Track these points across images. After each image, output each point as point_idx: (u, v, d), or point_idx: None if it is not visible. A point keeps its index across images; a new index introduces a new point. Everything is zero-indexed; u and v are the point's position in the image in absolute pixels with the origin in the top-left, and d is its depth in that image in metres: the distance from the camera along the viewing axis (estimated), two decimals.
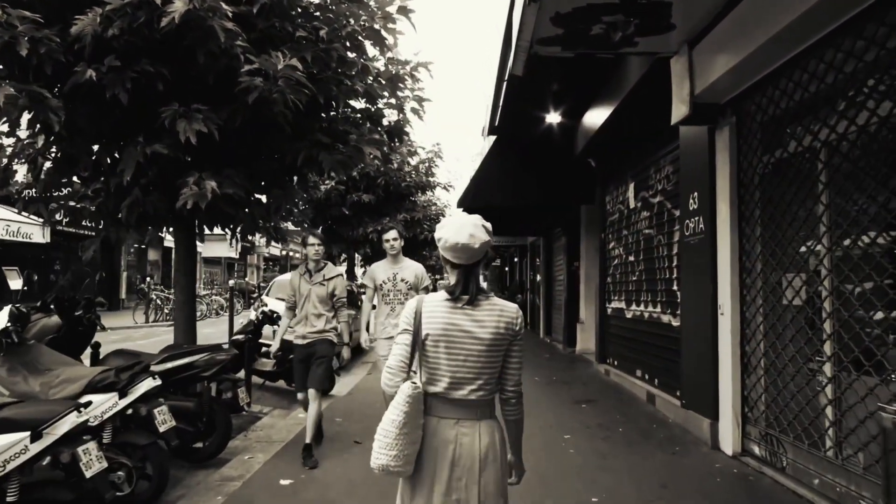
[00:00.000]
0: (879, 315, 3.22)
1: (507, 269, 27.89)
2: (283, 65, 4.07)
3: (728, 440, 4.59)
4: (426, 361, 1.85)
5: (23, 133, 4.88)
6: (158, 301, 16.98)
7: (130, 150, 4.24)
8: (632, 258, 7.49)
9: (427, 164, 15.30)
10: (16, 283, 6.93)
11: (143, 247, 23.05)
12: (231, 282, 9.29)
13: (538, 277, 15.88)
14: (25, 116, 4.34)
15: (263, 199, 5.64)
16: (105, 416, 3.40)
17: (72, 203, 5.10)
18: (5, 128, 4.65)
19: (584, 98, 7.82)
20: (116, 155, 4.77)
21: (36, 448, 2.73)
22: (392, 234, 4.75)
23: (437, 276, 42.29)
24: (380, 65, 5.46)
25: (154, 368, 4.05)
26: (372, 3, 4.95)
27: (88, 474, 2.81)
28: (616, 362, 8.15)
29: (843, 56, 3.45)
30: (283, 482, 4.01)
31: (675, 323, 5.92)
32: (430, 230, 18.25)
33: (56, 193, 5.26)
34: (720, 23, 4.26)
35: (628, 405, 6.43)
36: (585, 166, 9.34)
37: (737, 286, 4.62)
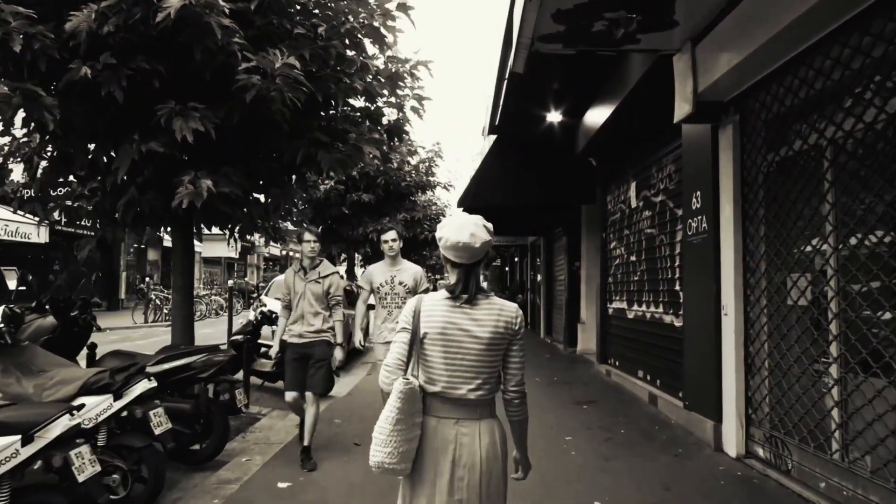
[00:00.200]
0: (888, 315, 3.16)
1: (507, 268, 27.85)
2: (280, 63, 4.01)
3: (731, 442, 4.53)
4: (425, 360, 1.85)
5: (18, 132, 4.83)
6: (158, 301, 16.93)
7: (125, 148, 4.19)
8: (633, 258, 7.44)
9: (427, 164, 15.24)
10: (14, 284, 6.88)
11: (142, 247, 23.01)
12: (230, 282, 9.23)
13: (539, 277, 15.83)
14: (20, 115, 4.29)
15: (262, 198, 5.59)
16: (100, 419, 3.34)
17: (68, 202, 5.04)
18: (0, 126, 4.60)
19: (585, 96, 7.76)
20: (113, 153, 4.71)
21: (27, 452, 2.67)
22: (391, 234, 4.64)
23: (438, 276, 42.25)
24: (379, 63, 5.40)
25: (150, 370, 3.99)
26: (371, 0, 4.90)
27: (81, 478, 2.75)
28: (617, 363, 8.09)
29: (850, 52, 3.39)
30: (282, 485, 3.96)
31: (678, 323, 5.86)
32: (430, 230, 18.21)
33: (53, 193, 5.21)
34: (724, 19, 4.20)
35: (630, 406, 6.37)
36: (586, 165, 9.29)
37: (740, 286, 4.56)
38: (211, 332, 14.05)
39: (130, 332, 14.76)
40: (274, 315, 6.29)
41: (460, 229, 1.82)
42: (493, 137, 10.11)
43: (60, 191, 5.26)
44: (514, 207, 10.82)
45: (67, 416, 2.83)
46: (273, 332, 5.57)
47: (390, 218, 14.10)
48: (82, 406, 3.00)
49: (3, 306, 3.79)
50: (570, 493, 3.82)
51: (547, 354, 11.04)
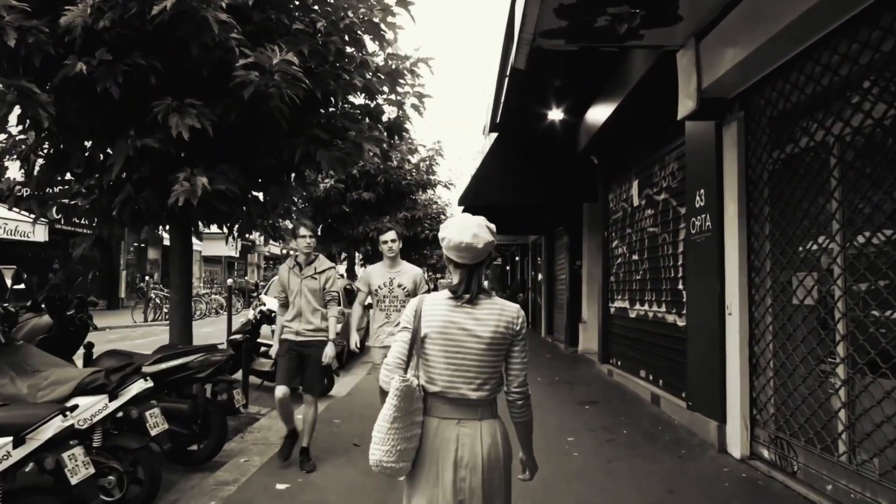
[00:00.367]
0: None
1: (508, 267, 27.79)
2: (279, 59, 3.95)
3: (736, 443, 4.47)
4: (425, 360, 1.86)
5: (14, 129, 4.77)
6: (157, 300, 16.89)
7: (121, 144, 4.13)
8: (635, 257, 7.38)
9: (428, 162, 15.18)
10: (18, 283, 6.83)
11: (142, 245, 22.98)
12: (229, 281, 9.18)
13: (540, 276, 15.77)
14: (16, 112, 4.23)
15: (261, 196, 5.54)
16: (94, 420, 3.29)
17: (64, 201, 4.98)
18: None
19: (587, 94, 7.70)
20: (109, 151, 4.65)
21: (19, 454, 2.62)
22: (390, 235, 4.48)
23: (438, 276, 42.21)
24: (379, 60, 5.35)
25: (146, 370, 3.94)
26: None
27: (74, 481, 2.70)
28: (619, 362, 8.03)
29: (859, 47, 3.33)
30: (280, 486, 3.90)
31: (681, 323, 5.81)
32: (430, 229, 18.16)
33: (50, 191, 5.16)
34: (728, 15, 4.14)
35: (632, 406, 6.32)
36: (588, 164, 9.24)
37: (745, 285, 4.50)
38: (211, 330, 14.02)
39: (130, 331, 14.73)
40: (273, 314, 6.23)
41: (463, 230, 1.83)
42: (494, 136, 10.05)
43: (57, 189, 5.20)
44: (515, 206, 10.77)
45: (60, 417, 2.78)
46: (273, 331, 5.51)
47: (391, 217, 14.05)
48: (76, 407, 2.95)
49: None
50: (571, 494, 3.76)
51: (548, 354, 10.99)
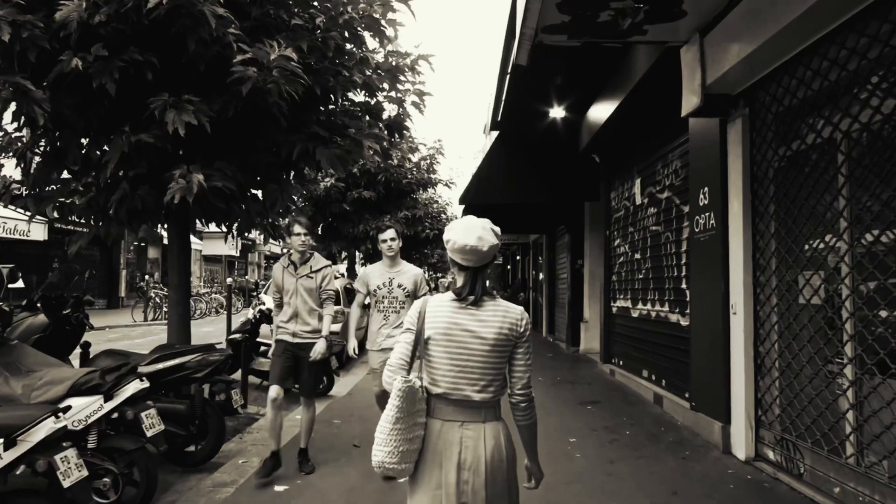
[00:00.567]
0: None
1: (508, 267, 27.72)
2: (277, 54, 3.89)
3: (741, 444, 4.41)
4: (429, 361, 1.86)
5: (10, 127, 4.72)
6: (157, 299, 16.85)
7: (116, 140, 4.08)
8: (638, 256, 7.32)
9: (428, 161, 15.12)
10: (14, 282, 6.74)
11: (142, 244, 22.94)
12: (229, 280, 9.13)
13: (541, 276, 15.71)
14: (11, 108, 4.18)
15: (260, 194, 5.48)
16: (89, 421, 3.24)
17: (61, 199, 4.92)
18: None
19: (589, 92, 7.64)
20: (106, 148, 4.60)
21: (10, 456, 2.57)
22: (389, 233, 4.25)
23: (439, 275, 42.11)
24: (379, 57, 5.29)
25: (142, 370, 3.89)
26: None
27: (66, 483, 2.64)
28: (621, 362, 7.97)
29: (868, 41, 3.27)
30: (278, 488, 3.85)
31: (684, 322, 5.74)
32: (431, 228, 18.09)
33: (47, 189, 5.10)
34: (733, 9, 4.08)
35: (635, 406, 6.26)
36: (590, 162, 9.18)
37: (750, 284, 4.44)
38: (211, 330, 13.98)
39: (129, 330, 14.69)
40: (272, 313, 6.17)
41: (468, 232, 1.83)
42: (495, 135, 9.99)
43: (53, 187, 5.14)
44: (516, 205, 10.71)
45: (52, 418, 2.73)
46: (272, 330, 5.44)
47: (391, 215, 13.99)
48: (68, 408, 2.89)
49: None
50: (574, 496, 3.70)
51: (550, 353, 10.93)
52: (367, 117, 5.53)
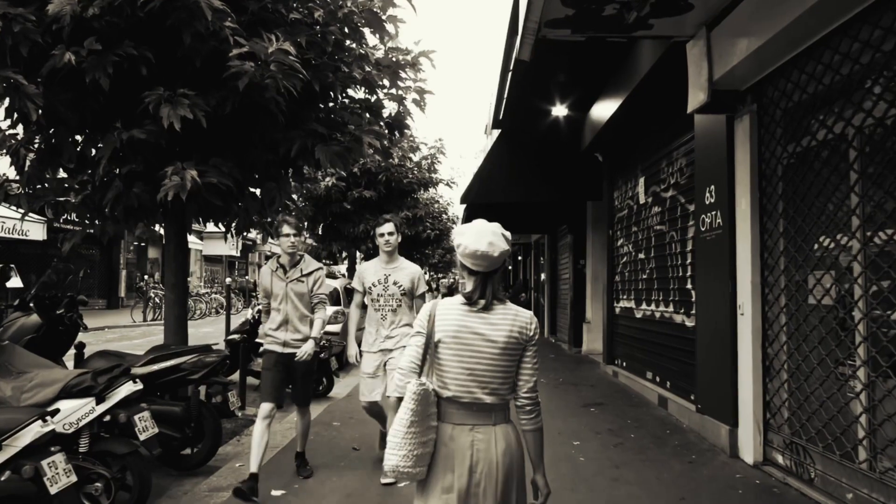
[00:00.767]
0: None
1: (510, 267, 27.62)
2: (274, 48, 3.80)
3: (749, 448, 4.31)
4: (439, 365, 1.86)
5: (3, 123, 4.64)
6: (157, 299, 16.77)
7: (108, 137, 3.99)
8: (642, 255, 7.22)
9: (429, 160, 15.04)
10: (13, 282, 6.65)
11: (142, 244, 22.88)
12: (228, 280, 9.05)
13: (542, 276, 15.62)
14: (4, 104, 4.09)
15: (258, 193, 5.39)
16: (80, 424, 3.15)
17: (57, 199, 4.83)
18: None
19: (592, 89, 7.55)
20: (101, 145, 4.51)
21: None
22: (387, 227, 4.03)
23: (440, 275, 42.03)
24: (380, 54, 5.20)
25: (137, 371, 3.80)
26: None
27: (53, 490, 2.55)
28: (625, 363, 7.88)
29: (882, 34, 3.17)
30: (275, 493, 3.76)
31: (690, 323, 5.65)
32: (432, 228, 17.99)
33: (40, 187, 5.02)
34: (742, 2, 3.98)
35: (639, 409, 6.16)
36: (592, 161, 9.08)
37: (758, 284, 4.34)
38: (211, 330, 13.91)
39: (129, 330, 14.62)
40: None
41: (479, 237, 1.82)
42: (496, 135, 9.90)
43: (48, 185, 5.06)
44: (518, 204, 10.63)
45: (39, 422, 2.64)
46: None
47: (392, 214, 13.92)
48: (57, 411, 2.80)
49: None
50: (578, 502, 3.61)
51: (552, 355, 10.83)
52: (368, 115, 5.44)
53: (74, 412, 3.12)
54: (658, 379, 6.51)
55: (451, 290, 26.66)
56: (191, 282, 24.25)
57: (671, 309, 6.22)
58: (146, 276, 19.47)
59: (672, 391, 6.04)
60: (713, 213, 4.83)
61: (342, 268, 18.84)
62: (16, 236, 14.10)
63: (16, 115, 4.33)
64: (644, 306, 7.08)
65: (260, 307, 4.84)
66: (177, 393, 4.42)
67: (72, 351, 4.69)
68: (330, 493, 3.77)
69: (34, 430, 2.61)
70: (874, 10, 3.18)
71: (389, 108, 5.71)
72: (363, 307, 4.17)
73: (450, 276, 42.97)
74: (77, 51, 3.71)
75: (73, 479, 2.68)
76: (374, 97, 5.50)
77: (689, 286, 5.72)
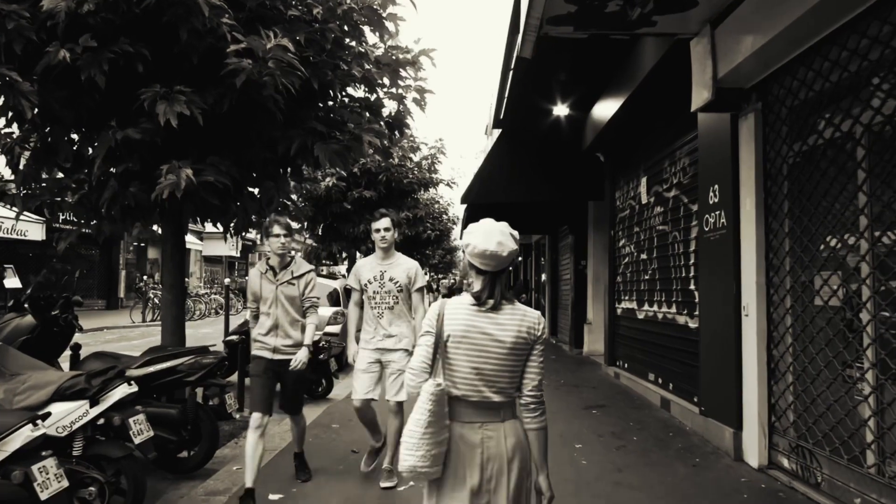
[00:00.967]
0: None
1: (510, 268, 27.53)
2: (272, 44, 3.75)
3: (753, 451, 4.25)
4: (448, 364, 1.87)
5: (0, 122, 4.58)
6: (156, 300, 16.70)
7: (103, 136, 3.93)
8: (644, 256, 7.16)
9: (430, 161, 14.98)
10: (11, 282, 6.58)
11: (142, 244, 22.82)
12: (227, 280, 9.00)
13: (543, 277, 15.56)
14: None
15: (257, 192, 5.33)
16: (74, 427, 3.09)
17: (53, 198, 4.77)
18: None
19: (594, 88, 7.48)
20: (96, 144, 4.45)
21: None
22: (383, 222, 3.87)
23: (441, 276, 41.95)
24: (380, 52, 5.14)
25: (132, 373, 3.74)
26: None
27: (44, 496, 2.49)
28: (626, 365, 7.81)
29: (891, 29, 3.11)
30: (273, 497, 3.69)
31: (693, 324, 5.58)
32: (433, 228, 17.92)
33: (36, 186, 4.96)
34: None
35: (641, 411, 6.10)
36: (594, 161, 9.02)
37: (763, 285, 4.28)
38: (210, 331, 13.85)
39: (128, 331, 14.56)
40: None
41: (488, 237, 1.83)
42: (497, 135, 9.84)
43: (43, 185, 5.00)
44: (519, 205, 10.56)
45: (30, 426, 2.57)
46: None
47: (389, 209, 13.85)
48: (48, 415, 2.74)
49: None
50: None
51: (553, 356, 10.76)
52: (367, 114, 5.38)
53: (67, 415, 3.06)
54: (660, 381, 6.45)
55: (452, 291, 26.60)
56: (190, 282, 24.20)
57: (674, 310, 6.15)
58: (145, 277, 19.41)
59: (675, 393, 5.98)
60: (717, 212, 4.77)
61: (342, 268, 18.77)
62: (14, 236, 14.05)
63: (10, 114, 4.27)
64: (646, 307, 7.02)
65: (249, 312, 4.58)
66: (173, 395, 4.37)
67: (67, 352, 4.64)
68: (328, 496, 3.71)
69: (24, 435, 2.55)
70: (883, 6, 3.12)
71: (389, 107, 5.66)
72: (362, 305, 4.03)
73: (450, 276, 42.94)
74: (72, 48, 3.66)
75: (65, 484, 2.62)
76: (374, 96, 5.45)
77: (692, 287, 5.66)
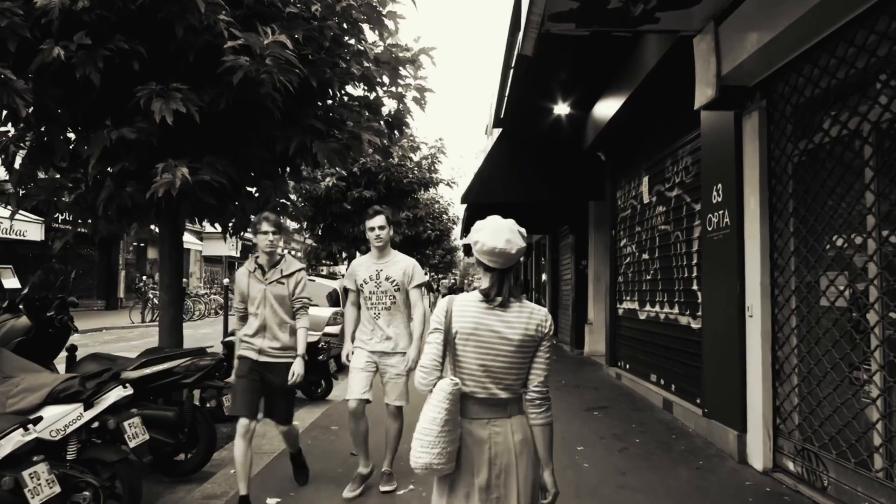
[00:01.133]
0: None
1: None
2: (270, 40, 3.69)
3: (758, 454, 4.19)
4: (456, 361, 1.88)
5: None
6: (156, 300, 16.65)
7: (97, 135, 3.87)
8: (646, 256, 7.10)
9: (430, 160, 14.93)
10: (10, 282, 6.52)
11: (142, 244, 22.77)
12: (226, 280, 8.96)
13: (543, 277, 15.50)
14: None
15: (255, 191, 5.28)
16: (68, 430, 3.03)
17: (43, 197, 4.71)
18: None
19: (595, 87, 7.43)
20: (91, 143, 4.40)
21: None
22: (378, 220, 3.73)
23: (441, 276, 41.88)
24: (379, 50, 5.09)
25: (128, 375, 3.69)
26: None
27: (35, 502, 2.43)
28: (628, 365, 7.75)
29: None
30: (271, 501, 3.64)
31: (696, 325, 5.52)
32: (433, 228, 17.86)
33: (32, 186, 4.91)
34: None
35: (643, 412, 6.04)
36: (594, 160, 8.97)
37: (767, 285, 4.22)
38: (209, 331, 13.81)
39: (126, 331, 14.51)
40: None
41: (497, 234, 1.84)
42: (497, 134, 9.79)
43: (40, 185, 4.94)
44: (519, 204, 10.51)
45: (21, 431, 2.52)
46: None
47: (384, 206, 13.79)
48: (39, 419, 2.68)
49: None
50: None
51: (553, 356, 10.63)
52: (367, 112, 5.32)
53: (61, 418, 3.00)
54: (663, 382, 6.39)
55: (452, 291, 26.54)
56: (190, 282, 24.13)
57: (676, 310, 6.10)
58: (145, 277, 19.35)
59: (677, 394, 5.92)
60: (720, 212, 4.71)
61: (342, 268, 18.72)
62: (14, 237, 13.99)
63: (5, 112, 4.21)
64: (648, 308, 6.96)
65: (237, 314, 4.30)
66: (171, 397, 4.32)
67: (64, 353, 4.58)
68: (327, 500, 3.66)
69: (14, 440, 2.50)
70: (891, 0, 3.06)
71: (389, 105, 5.61)
72: (359, 305, 3.91)
73: (450, 276, 42.87)
74: (66, 45, 3.60)
75: (57, 489, 2.57)
76: (374, 94, 5.39)
77: (694, 287, 5.60)
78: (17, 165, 4.68)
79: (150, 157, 4.21)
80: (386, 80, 5.18)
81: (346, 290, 4.08)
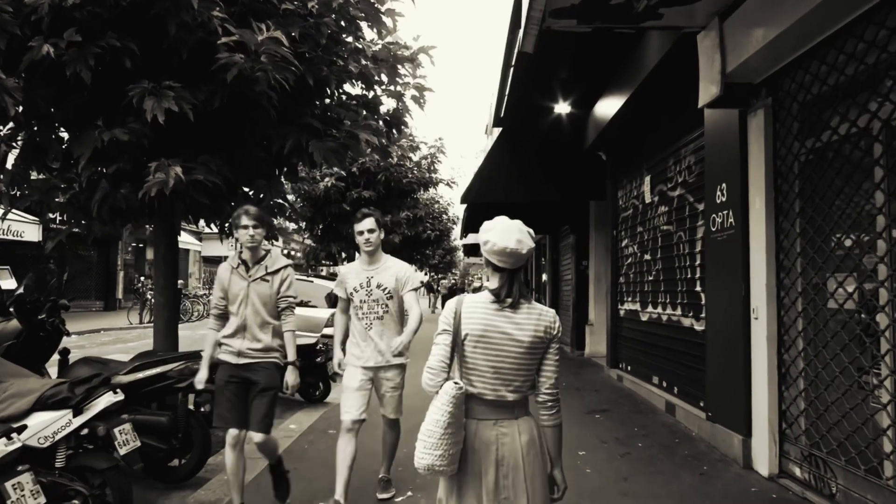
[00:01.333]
0: None
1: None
2: (265, 36, 3.61)
3: (763, 459, 4.11)
4: (465, 363, 1.88)
5: None
6: (154, 301, 16.60)
7: (88, 135, 3.79)
8: (647, 256, 7.01)
9: (429, 160, 14.85)
10: (7, 283, 6.44)
11: (140, 245, 22.69)
12: None
13: (544, 277, 15.42)
14: None
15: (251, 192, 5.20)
16: (57, 438, 2.95)
17: (36, 197, 4.63)
18: None
19: (596, 85, 7.35)
20: (81, 144, 4.31)
21: None
22: (367, 223, 3.43)
23: (441, 276, 41.79)
24: (377, 48, 5.01)
25: (119, 380, 3.61)
26: None
27: None
28: (629, 367, 7.67)
29: None
30: None
31: (699, 327, 5.44)
32: (433, 228, 17.78)
33: (26, 186, 4.83)
34: None
35: (646, 416, 5.95)
36: (595, 160, 8.89)
37: (773, 287, 4.14)
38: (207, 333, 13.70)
39: (124, 332, 14.43)
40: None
41: (507, 235, 1.84)
42: (497, 134, 9.71)
43: (33, 185, 4.86)
44: (519, 204, 10.43)
45: (4, 440, 2.43)
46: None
47: (392, 215, 13.71)
48: (24, 427, 2.59)
49: None
50: None
51: None
52: (364, 111, 5.24)
53: (49, 425, 2.91)
54: (665, 384, 6.31)
55: (452, 291, 26.44)
56: (189, 283, 24.06)
57: (679, 312, 6.01)
58: (143, 278, 19.27)
59: (680, 397, 5.84)
60: (725, 212, 4.63)
61: (343, 269, 18.65)
62: (11, 237, 13.92)
63: None
64: (650, 309, 6.88)
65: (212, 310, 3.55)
66: (164, 401, 4.23)
67: (56, 357, 4.50)
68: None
69: None
70: None
71: (387, 104, 5.53)
72: (348, 312, 3.68)
73: (450, 276, 42.80)
74: (56, 42, 3.52)
75: (42, 500, 2.48)
76: (372, 93, 5.31)
77: (697, 288, 5.52)
78: (9, 165, 4.60)
79: (145, 157, 4.14)
80: (384, 78, 5.10)
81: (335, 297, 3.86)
